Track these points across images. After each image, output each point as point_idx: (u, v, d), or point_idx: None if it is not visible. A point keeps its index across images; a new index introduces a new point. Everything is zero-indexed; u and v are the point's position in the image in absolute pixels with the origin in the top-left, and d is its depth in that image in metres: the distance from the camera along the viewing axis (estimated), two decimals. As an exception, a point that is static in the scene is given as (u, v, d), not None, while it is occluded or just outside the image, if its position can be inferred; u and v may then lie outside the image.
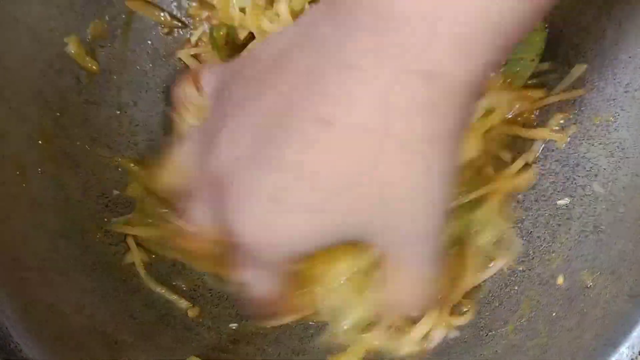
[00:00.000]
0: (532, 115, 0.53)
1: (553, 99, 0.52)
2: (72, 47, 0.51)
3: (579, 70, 0.50)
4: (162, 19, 0.56)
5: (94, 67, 0.52)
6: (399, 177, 0.31)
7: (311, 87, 0.31)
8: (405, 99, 0.29)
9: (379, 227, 0.33)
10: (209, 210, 0.38)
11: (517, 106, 0.52)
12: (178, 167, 0.45)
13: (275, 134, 0.32)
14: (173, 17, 0.56)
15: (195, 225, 0.41)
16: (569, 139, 0.51)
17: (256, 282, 0.40)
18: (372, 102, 0.29)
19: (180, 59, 0.57)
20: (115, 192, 0.53)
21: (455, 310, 0.50)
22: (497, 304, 0.50)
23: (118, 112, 0.55)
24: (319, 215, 0.32)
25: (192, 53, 0.56)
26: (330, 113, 0.30)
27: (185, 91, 0.46)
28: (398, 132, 0.29)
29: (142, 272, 0.52)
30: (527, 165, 0.53)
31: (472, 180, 0.50)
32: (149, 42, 0.55)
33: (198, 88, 0.44)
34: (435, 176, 0.31)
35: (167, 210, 0.50)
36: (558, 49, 0.52)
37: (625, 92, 0.47)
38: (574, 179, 0.50)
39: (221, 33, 0.54)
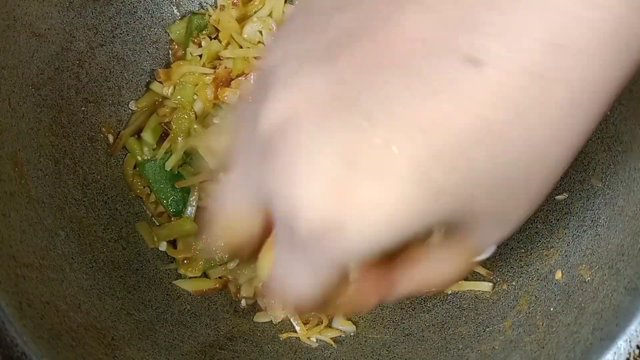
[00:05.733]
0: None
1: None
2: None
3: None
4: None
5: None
6: (549, 138, 0.23)
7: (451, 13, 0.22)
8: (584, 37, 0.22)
9: (484, 203, 0.24)
10: (249, 181, 0.27)
11: None
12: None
13: (371, 74, 0.23)
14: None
15: (228, 205, 0.29)
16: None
17: (293, 276, 0.27)
18: (541, 34, 0.22)
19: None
20: (115, 190, 0.53)
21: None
22: (495, 300, 0.49)
23: (117, 111, 0.55)
24: (423, 186, 0.22)
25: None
26: (482, 48, 0.22)
27: None
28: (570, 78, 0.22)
29: None
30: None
31: None
32: (149, 40, 0.56)
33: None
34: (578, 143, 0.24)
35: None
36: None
37: (623, 85, 0.47)
38: (572, 174, 0.50)
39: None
